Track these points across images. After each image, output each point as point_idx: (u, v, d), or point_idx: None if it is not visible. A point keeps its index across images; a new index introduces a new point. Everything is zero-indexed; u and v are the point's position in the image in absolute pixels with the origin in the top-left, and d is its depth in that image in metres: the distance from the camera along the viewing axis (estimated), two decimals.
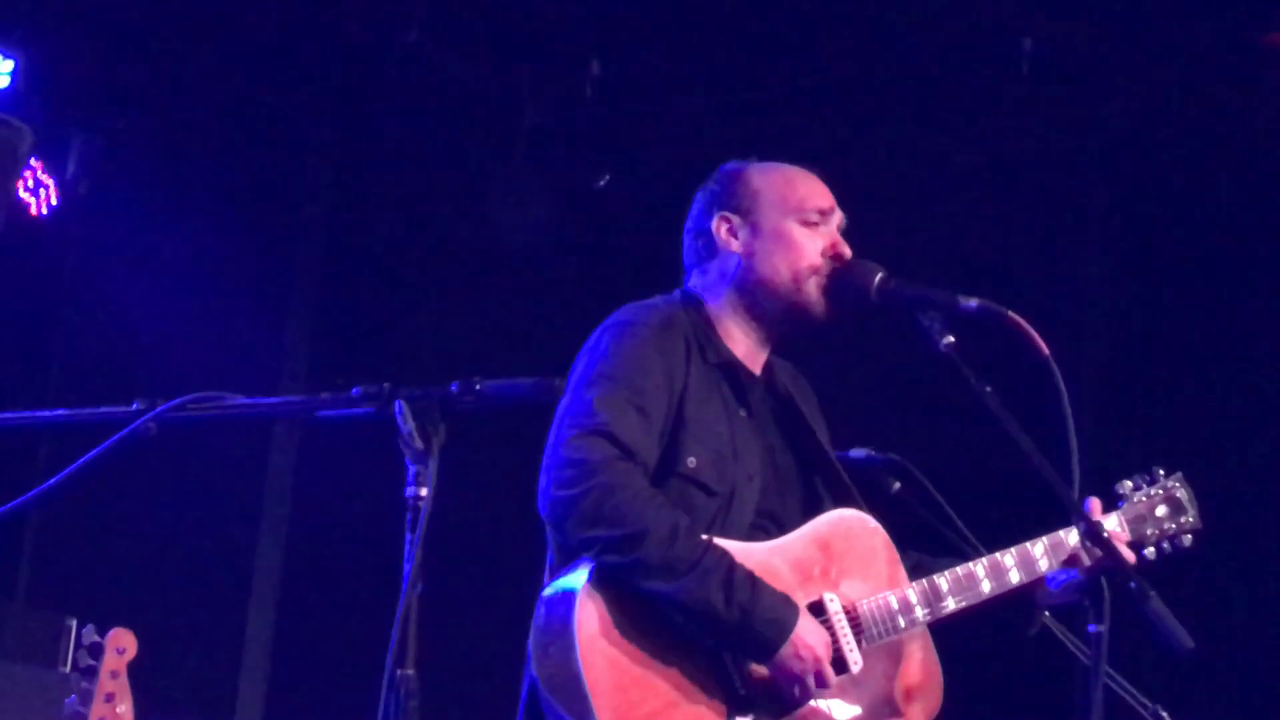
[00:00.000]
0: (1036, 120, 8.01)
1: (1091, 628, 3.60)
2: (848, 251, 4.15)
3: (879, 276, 4.06)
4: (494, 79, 8.55)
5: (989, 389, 3.79)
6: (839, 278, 4.10)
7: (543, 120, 8.59)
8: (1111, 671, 3.89)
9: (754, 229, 4.17)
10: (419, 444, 3.03)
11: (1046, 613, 4.26)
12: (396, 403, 3.05)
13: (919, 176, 8.28)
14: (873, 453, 4.49)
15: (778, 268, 4.13)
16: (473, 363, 3.92)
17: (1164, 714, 4.30)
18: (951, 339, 3.89)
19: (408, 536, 3.01)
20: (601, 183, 8.77)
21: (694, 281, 4.24)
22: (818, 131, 8.12)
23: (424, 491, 3.03)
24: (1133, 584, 3.59)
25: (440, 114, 8.78)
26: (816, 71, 8.12)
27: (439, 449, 3.04)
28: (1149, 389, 7.92)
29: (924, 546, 4.23)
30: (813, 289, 4.12)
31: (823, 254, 4.13)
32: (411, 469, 3.04)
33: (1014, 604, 4.16)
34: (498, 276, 8.97)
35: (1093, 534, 3.83)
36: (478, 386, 3.11)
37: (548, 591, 3.85)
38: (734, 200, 4.20)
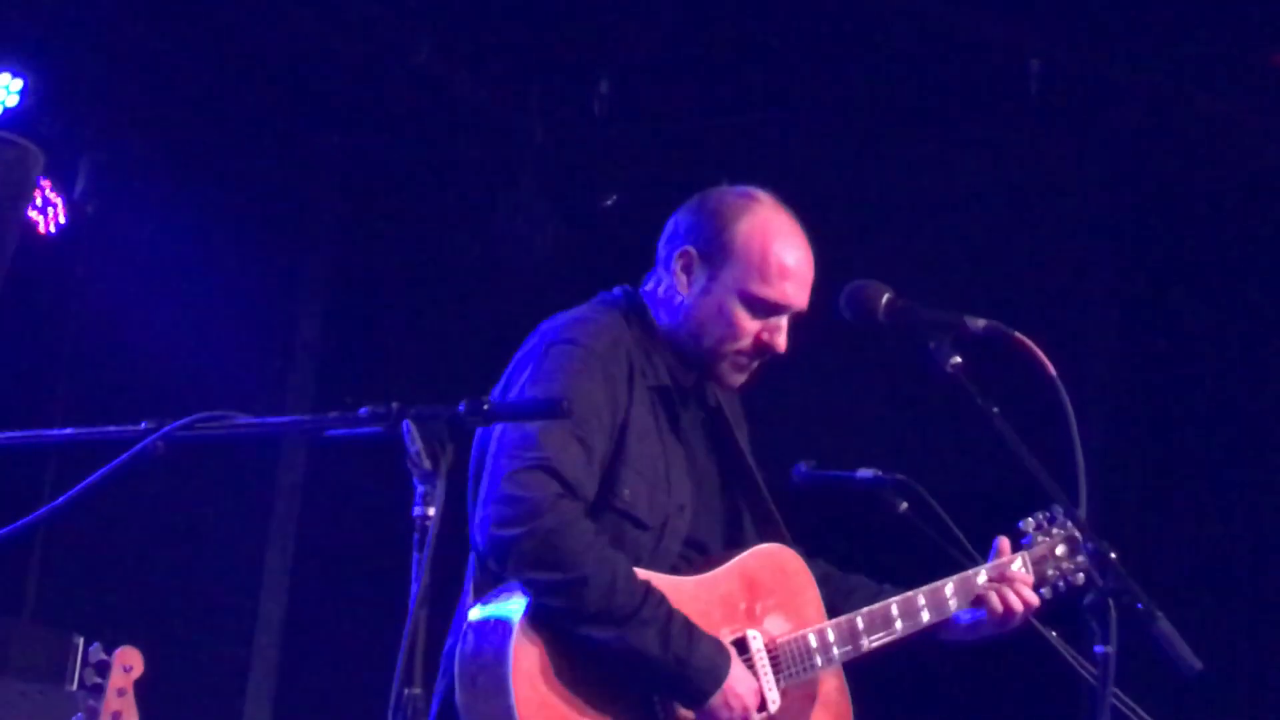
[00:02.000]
0: (1044, 141, 8.00)
1: (1098, 649, 3.59)
2: (780, 346, 4.07)
3: (886, 297, 4.00)
4: (503, 98, 8.56)
5: (996, 410, 3.78)
6: (847, 298, 4.06)
7: (551, 139, 8.59)
8: (1119, 692, 3.88)
9: (706, 285, 4.06)
10: (427, 464, 3.02)
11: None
12: (404, 422, 3.04)
13: (926, 197, 8.27)
14: (880, 473, 4.48)
15: (702, 337, 4.06)
16: (481, 382, 3.92)
17: None
18: (959, 360, 3.86)
19: (415, 556, 3.00)
20: (609, 202, 8.77)
21: (649, 286, 4.16)
22: (825, 152, 8.12)
23: (432, 511, 3.02)
24: (1140, 605, 3.58)
25: (449, 133, 8.79)
26: (824, 93, 8.12)
27: (447, 469, 3.04)
28: (1155, 409, 7.90)
29: (931, 567, 4.23)
30: (726, 369, 4.09)
31: (755, 340, 4.05)
32: (419, 489, 3.03)
33: (922, 642, 4.16)
34: (506, 296, 8.97)
35: (1098, 558, 3.81)
36: (485, 406, 3.10)
37: (477, 617, 3.79)
38: (706, 240, 4.08)
